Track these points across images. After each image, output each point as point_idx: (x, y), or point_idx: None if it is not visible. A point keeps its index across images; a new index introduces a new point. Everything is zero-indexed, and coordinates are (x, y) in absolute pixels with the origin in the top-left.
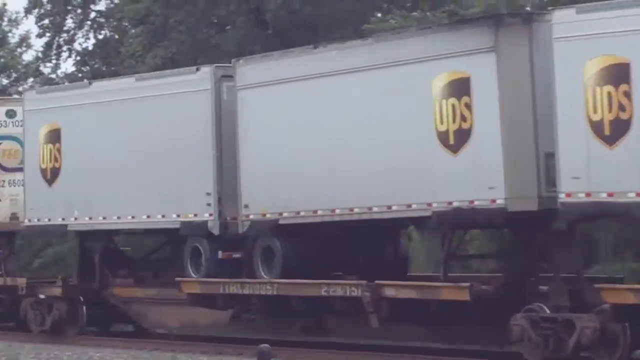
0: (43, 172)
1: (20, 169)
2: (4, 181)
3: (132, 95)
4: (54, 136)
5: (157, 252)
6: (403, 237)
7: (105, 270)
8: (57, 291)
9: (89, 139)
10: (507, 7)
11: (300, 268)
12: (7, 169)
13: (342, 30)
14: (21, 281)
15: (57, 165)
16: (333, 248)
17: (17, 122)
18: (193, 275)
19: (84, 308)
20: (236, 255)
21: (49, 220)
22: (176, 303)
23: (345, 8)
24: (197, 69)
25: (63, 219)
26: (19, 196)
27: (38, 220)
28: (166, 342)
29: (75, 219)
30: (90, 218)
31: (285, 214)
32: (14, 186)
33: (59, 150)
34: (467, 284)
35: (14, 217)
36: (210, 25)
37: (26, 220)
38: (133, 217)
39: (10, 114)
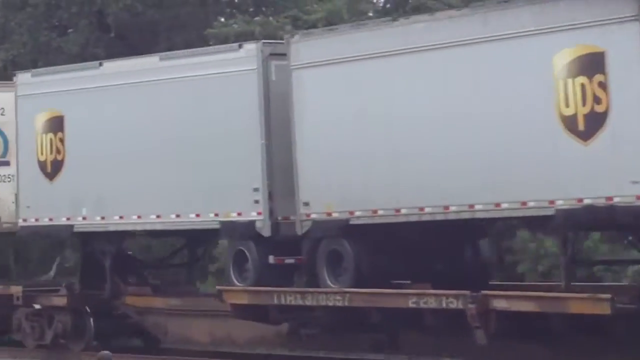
0: (42, 165)
1: (3, 163)
2: None
3: (156, 77)
4: (55, 124)
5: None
6: (484, 239)
7: (116, 277)
8: (61, 301)
9: (100, 128)
10: (350, 13)
11: (374, 275)
12: None
13: (185, 34)
14: (16, 289)
15: (59, 157)
16: (409, 252)
17: None
18: (237, 283)
19: (92, 320)
20: (289, 260)
21: (51, 220)
22: (205, 315)
23: (188, 12)
24: (240, 46)
25: (68, 219)
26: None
27: (36, 220)
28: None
29: (84, 218)
30: (103, 218)
31: (358, 213)
32: None
33: (61, 140)
34: (608, 296)
35: None
36: (52, 28)
37: (20, 221)
38: (158, 217)
39: None
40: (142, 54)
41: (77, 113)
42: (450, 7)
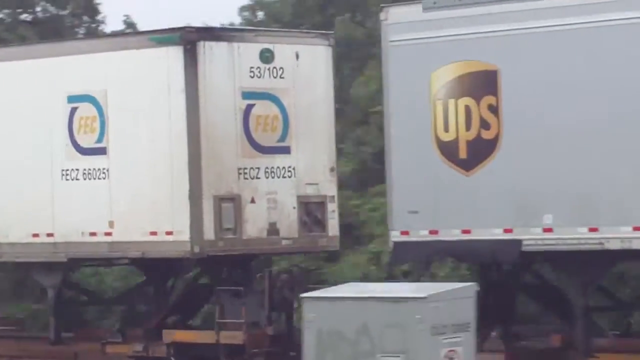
0: (446, 147)
1: (281, 149)
2: (257, 169)
3: None
4: (479, 84)
5: None
6: None
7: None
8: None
9: (587, 87)
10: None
11: None
12: (262, 149)
13: None
14: None
15: (487, 135)
16: None
17: (275, 71)
18: None
19: None
20: None
21: (466, 232)
22: None
23: None
24: None
25: (508, 231)
26: (277, 194)
27: (431, 232)
28: None
29: (546, 230)
30: (595, 229)
31: None
32: (274, 177)
33: (492, 109)
34: None
35: (272, 229)
36: None
37: (396, 233)
38: None
39: (267, 56)
40: None
41: (530, 66)
42: None
